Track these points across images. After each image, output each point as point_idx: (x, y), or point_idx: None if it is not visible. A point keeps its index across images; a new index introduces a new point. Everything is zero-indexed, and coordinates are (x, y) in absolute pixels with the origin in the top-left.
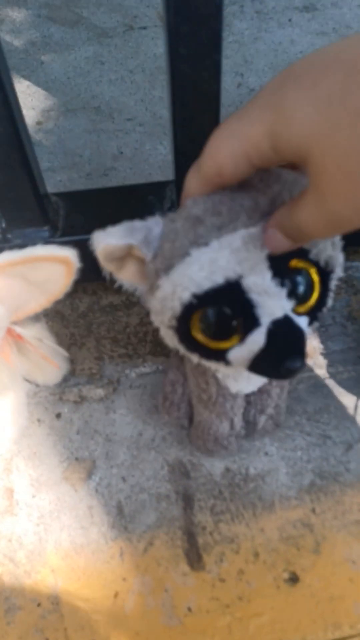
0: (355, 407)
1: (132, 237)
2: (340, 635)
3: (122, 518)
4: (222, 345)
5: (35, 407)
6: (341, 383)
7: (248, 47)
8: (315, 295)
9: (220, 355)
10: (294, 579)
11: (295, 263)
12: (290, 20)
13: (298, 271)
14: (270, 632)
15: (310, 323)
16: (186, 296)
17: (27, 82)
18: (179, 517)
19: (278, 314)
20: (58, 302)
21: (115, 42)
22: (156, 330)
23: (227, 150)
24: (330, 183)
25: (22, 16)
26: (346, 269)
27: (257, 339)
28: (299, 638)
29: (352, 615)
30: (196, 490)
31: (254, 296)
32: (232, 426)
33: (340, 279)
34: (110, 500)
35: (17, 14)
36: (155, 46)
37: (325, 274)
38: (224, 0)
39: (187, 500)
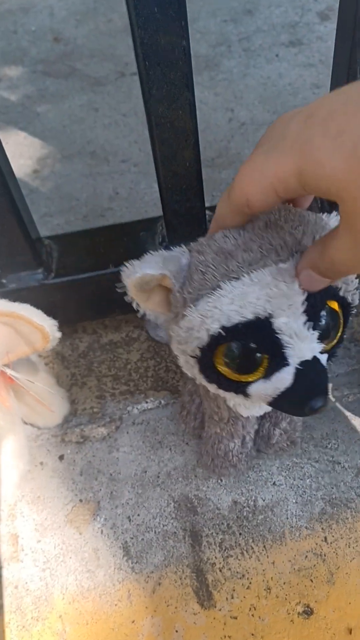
0: None
1: (166, 267)
2: None
3: (128, 559)
4: (245, 378)
5: (37, 450)
6: (347, 406)
7: (237, 83)
8: (339, 333)
9: (240, 388)
10: (308, 612)
11: (330, 303)
12: (277, 55)
13: (329, 312)
14: None
15: (329, 358)
16: (215, 328)
17: (24, 134)
18: (187, 554)
19: (308, 356)
20: (58, 344)
21: (108, 89)
22: (157, 365)
23: (255, 184)
24: None
25: (19, 73)
26: None
27: (284, 378)
28: None
29: None
30: (204, 525)
31: (285, 337)
32: (243, 444)
33: None
34: (116, 542)
35: (14, 71)
36: None
37: (347, 309)
38: (190, 46)
39: (195, 537)
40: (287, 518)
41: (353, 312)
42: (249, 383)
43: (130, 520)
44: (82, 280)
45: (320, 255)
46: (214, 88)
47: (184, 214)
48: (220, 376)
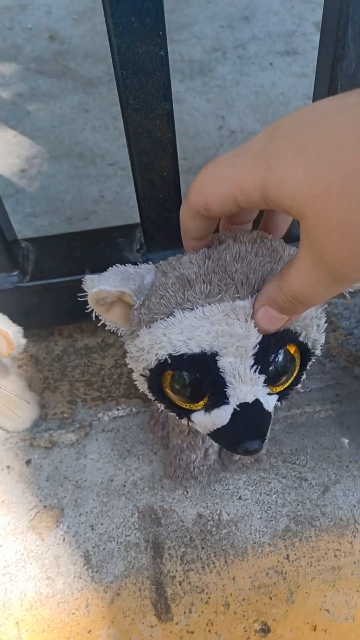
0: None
1: (126, 285)
2: None
3: (89, 568)
4: (188, 406)
5: (5, 453)
6: (319, 423)
7: (230, 90)
8: (292, 378)
9: (184, 414)
10: (265, 630)
11: (288, 346)
12: (271, 63)
13: (283, 356)
14: None
15: (279, 400)
16: (162, 354)
17: (13, 132)
18: (147, 566)
19: (249, 399)
20: (33, 346)
21: (100, 90)
22: (131, 372)
23: (215, 189)
24: (327, 243)
25: (12, 70)
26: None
27: (221, 415)
28: None
29: None
30: (166, 537)
31: (227, 377)
32: (205, 456)
33: None
34: (78, 550)
35: (7, 69)
36: None
37: (307, 355)
38: (168, 54)
39: (157, 549)
40: (251, 534)
41: (313, 359)
42: (192, 411)
43: (93, 529)
44: (58, 284)
45: (278, 288)
46: (206, 94)
47: (162, 223)
48: (166, 399)
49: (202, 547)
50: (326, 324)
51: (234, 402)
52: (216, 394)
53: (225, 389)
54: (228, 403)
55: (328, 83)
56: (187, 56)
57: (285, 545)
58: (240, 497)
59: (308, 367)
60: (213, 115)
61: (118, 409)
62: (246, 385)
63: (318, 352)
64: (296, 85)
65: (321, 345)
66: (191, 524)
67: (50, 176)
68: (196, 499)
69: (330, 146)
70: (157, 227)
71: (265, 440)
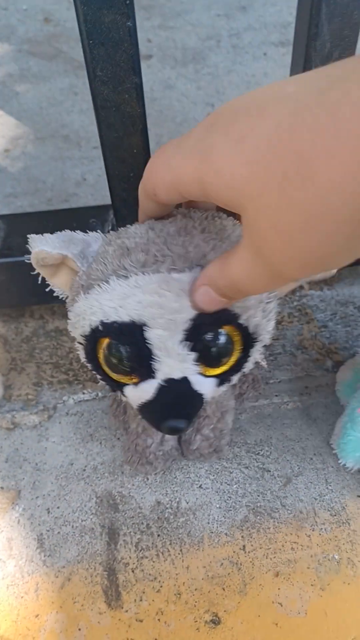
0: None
1: (68, 248)
2: None
3: (42, 552)
4: (118, 378)
5: None
6: (285, 414)
7: (222, 78)
8: (231, 361)
9: (117, 387)
10: (215, 621)
11: (225, 328)
12: (265, 54)
13: (219, 335)
14: None
15: (221, 384)
16: (94, 321)
17: (0, 112)
18: (101, 552)
19: (176, 375)
20: (2, 326)
21: None
22: None
23: (160, 179)
24: (266, 239)
25: (4, 50)
26: (300, 297)
27: (147, 389)
28: None
29: None
30: (123, 524)
31: (155, 350)
32: (162, 442)
33: (293, 307)
34: (32, 533)
35: None
36: None
37: (250, 340)
38: (136, 25)
39: (112, 535)
40: (208, 523)
41: (259, 344)
42: (124, 385)
43: (49, 513)
44: (27, 263)
45: (219, 272)
46: (197, 81)
47: (132, 203)
48: (100, 369)
49: (158, 535)
50: (275, 311)
51: (159, 377)
52: (143, 366)
53: (151, 362)
54: (154, 377)
55: (302, 64)
56: (180, 43)
57: (242, 536)
58: (200, 486)
59: (258, 355)
60: (202, 103)
61: (84, 393)
62: (173, 360)
63: (264, 338)
64: (288, 76)
65: (269, 332)
66: (149, 511)
67: (34, 157)
68: (156, 486)
69: (267, 140)
70: (128, 207)
71: (193, 422)
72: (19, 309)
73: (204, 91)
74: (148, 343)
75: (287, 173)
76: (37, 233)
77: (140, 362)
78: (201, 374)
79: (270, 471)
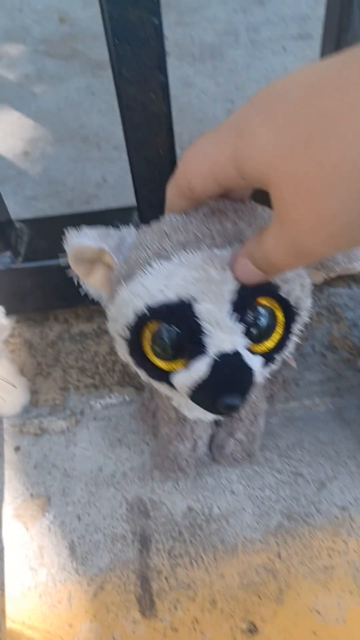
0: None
1: (105, 242)
2: None
3: (73, 559)
4: (167, 366)
5: None
6: (317, 416)
7: (240, 74)
8: (276, 337)
9: (164, 377)
10: (252, 630)
11: (263, 301)
12: (284, 48)
13: (263, 309)
14: None
15: (266, 365)
16: (140, 306)
17: (18, 113)
18: (133, 559)
19: (227, 348)
20: (27, 331)
21: (108, 73)
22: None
23: (196, 168)
24: (290, 211)
25: (20, 51)
26: (329, 296)
27: (199, 367)
28: None
29: None
30: (155, 530)
31: (205, 324)
32: (194, 448)
33: (321, 306)
34: (63, 540)
35: (15, 50)
36: None
37: (291, 315)
38: (162, 23)
39: (144, 542)
40: (242, 529)
41: (300, 320)
42: (172, 372)
43: (79, 519)
44: (51, 267)
45: (257, 246)
46: (216, 78)
47: (158, 204)
48: (146, 362)
49: (191, 542)
50: (311, 289)
51: (211, 352)
52: (194, 343)
53: (202, 337)
54: (206, 353)
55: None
56: (198, 39)
57: (277, 543)
58: (232, 492)
59: (296, 333)
60: (222, 99)
61: (111, 397)
62: (224, 333)
63: (304, 314)
64: None
65: (307, 309)
66: (181, 517)
67: (53, 159)
68: (187, 491)
69: (294, 105)
70: (154, 209)
71: (246, 399)
72: (43, 313)
73: (223, 87)
74: (197, 319)
75: (312, 135)
76: (61, 237)
77: (191, 340)
78: (249, 349)
79: (303, 475)
